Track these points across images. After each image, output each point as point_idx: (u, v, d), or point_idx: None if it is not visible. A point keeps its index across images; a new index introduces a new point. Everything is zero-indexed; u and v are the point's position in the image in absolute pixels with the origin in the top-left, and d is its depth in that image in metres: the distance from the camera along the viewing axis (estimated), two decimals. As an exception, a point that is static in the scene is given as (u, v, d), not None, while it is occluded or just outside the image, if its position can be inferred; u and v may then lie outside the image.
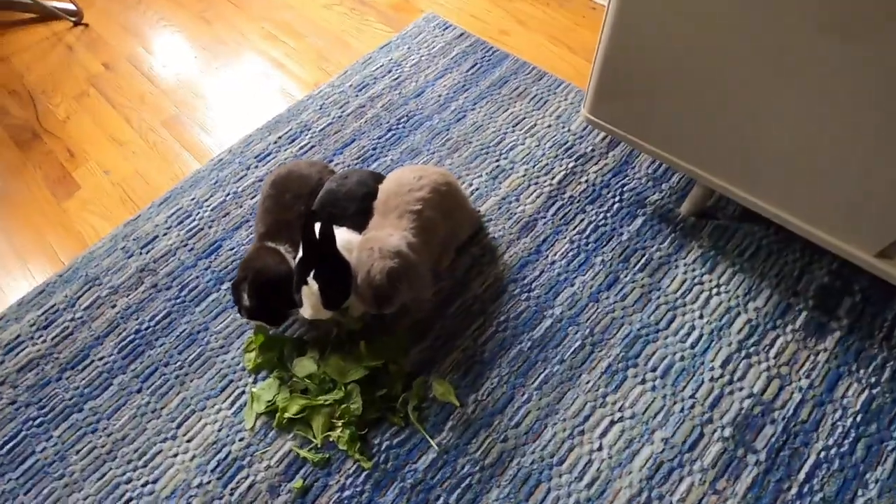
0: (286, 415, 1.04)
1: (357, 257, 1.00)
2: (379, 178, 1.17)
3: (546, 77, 1.57)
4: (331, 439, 1.03)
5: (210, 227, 1.36)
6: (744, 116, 0.92)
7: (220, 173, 1.47)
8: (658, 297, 1.15)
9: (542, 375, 1.08)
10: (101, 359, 1.18)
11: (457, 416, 1.05)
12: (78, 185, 1.52)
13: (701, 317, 1.12)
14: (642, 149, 1.11)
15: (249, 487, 1.00)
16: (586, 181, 1.35)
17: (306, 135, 1.53)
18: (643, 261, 1.21)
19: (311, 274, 0.97)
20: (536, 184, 1.36)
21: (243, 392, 1.11)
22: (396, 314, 1.15)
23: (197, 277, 1.28)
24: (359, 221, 1.07)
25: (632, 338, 1.11)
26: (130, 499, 1.01)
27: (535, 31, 1.73)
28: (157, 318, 1.23)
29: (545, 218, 1.30)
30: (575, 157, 1.40)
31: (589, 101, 1.15)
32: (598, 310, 1.15)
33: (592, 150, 1.40)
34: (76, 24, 1.96)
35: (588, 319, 1.14)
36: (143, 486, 1.02)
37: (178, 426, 1.08)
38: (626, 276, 1.19)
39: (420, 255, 1.05)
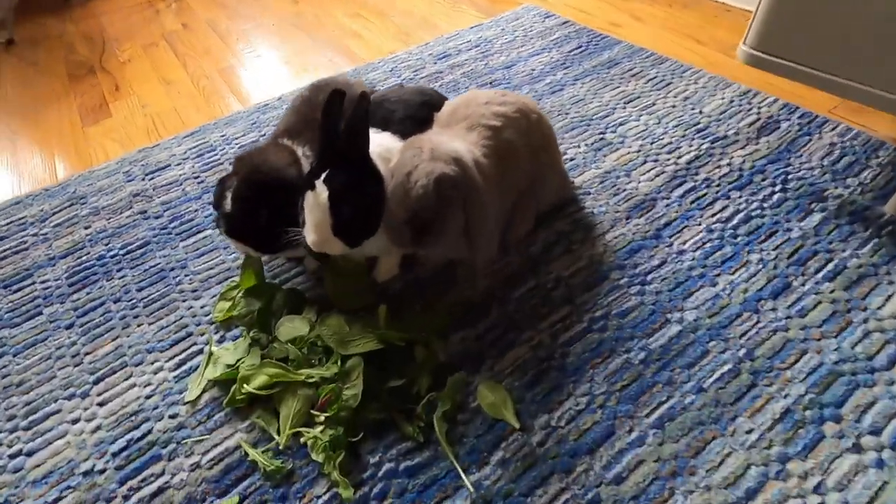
0: (247, 387, 0.66)
1: (398, 161, 0.66)
2: (444, 98, 0.86)
3: (669, 62, 1.27)
4: (302, 441, 0.63)
5: (231, 164, 1.10)
6: None
7: (261, 116, 1.24)
8: (865, 321, 0.71)
9: (666, 406, 0.64)
10: (43, 282, 0.89)
11: (513, 444, 0.62)
12: (110, 114, 1.34)
13: (953, 358, 0.65)
14: (840, 91, 0.74)
15: (156, 494, 0.61)
16: (728, 165, 0.97)
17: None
18: (831, 267, 0.78)
19: (323, 175, 0.64)
20: (656, 161, 1.00)
21: (201, 352, 0.75)
22: (437, 282, 0.79)
23: (196, 211, 0.99)
24: (408, 130, 0.75)
25: (825, 373, 0.65)
26: (-15, 474, 0.65)
27: (654, 25, 1.46)
28: (131, 247, 0.93)
29: (668, 199, 0.92)
30: (710, 138, 1.03)
31: (756, 32, 0.81)
32: (760, 323, 0.72)
33: (736, 134, 1.04)
34: (172, -6, 1.94)
35: (742, 335, 0.71)
36: (13, 456, 0.66)
37: (97, 381, 0.73)
38: (802, 284, 0.76)
39: (489, 185, 0.70)
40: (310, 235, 0.66)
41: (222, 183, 0.71)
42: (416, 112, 0.78)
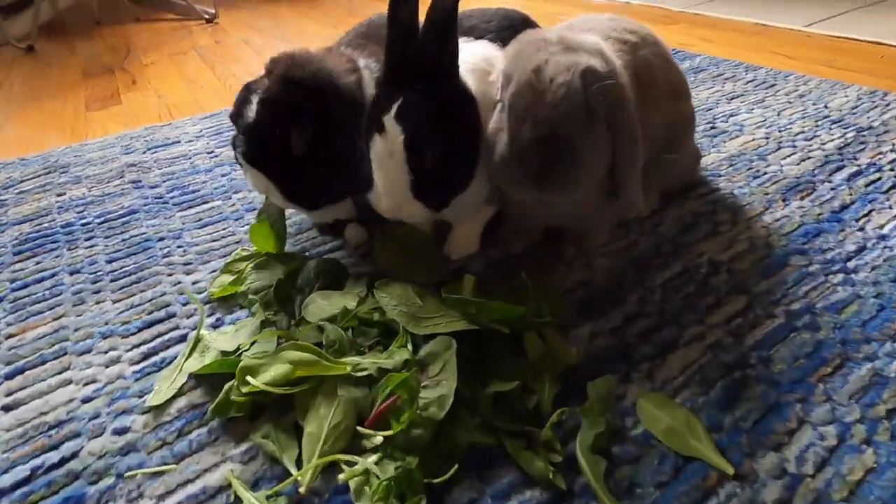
0: (251, 383, 0.39)
1: (512, 59, 0.45)
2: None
3: (763, 69, 1.12)
4: (341, 479, 0.35)
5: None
6: None
7: (294, 103, 1.06)
8: None
9: None
10: (-20, 249, 0.64)
11: (730, 502, 0.34)
12: (119, 101, 1.17)
13: None
14: None
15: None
16: (893, 151, 0.76)
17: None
18: None
19: (394, 108, 0.43)
20: (793, 146, 0.79)
21: (183, 339, 0.49)
22: (533, 262, 0.54)
23: (204, 183, 0.77)
24: (507, 38, 0.54)
25: None
26: None
27: (730, 45, 1.34)
28: (111, 216, 0.70)
29: (831, 182, 0.70)
30: (853, 128, 0.84)
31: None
32: None
33: (884, 125, 0.85)
34: (209, 21, 1.89)
35: None
36: None
37: (11, 374, 0.46)
38: None
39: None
40: (382, 199, 0.44)
41: (248, 87, 0.49)
42: (518, 25, 0.58)
